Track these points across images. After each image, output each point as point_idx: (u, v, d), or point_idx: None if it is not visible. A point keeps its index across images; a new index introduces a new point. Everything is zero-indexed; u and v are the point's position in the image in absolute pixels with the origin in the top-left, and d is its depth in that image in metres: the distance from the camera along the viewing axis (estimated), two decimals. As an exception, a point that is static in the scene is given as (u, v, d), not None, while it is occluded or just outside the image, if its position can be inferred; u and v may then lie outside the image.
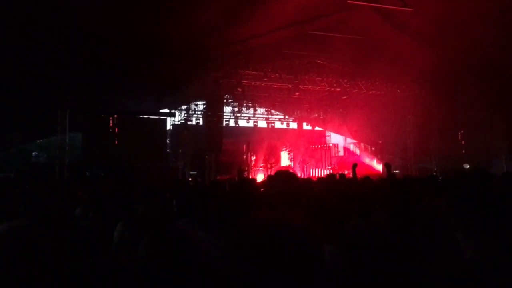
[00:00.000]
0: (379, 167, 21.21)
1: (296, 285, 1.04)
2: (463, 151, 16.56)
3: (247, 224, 1.17)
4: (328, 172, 20.07)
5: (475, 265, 1.53)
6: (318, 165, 22.49)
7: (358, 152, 22.92)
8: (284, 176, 2.91)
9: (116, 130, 18.67)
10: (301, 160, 21.84)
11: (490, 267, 1.51)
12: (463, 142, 16.50)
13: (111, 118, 18.79)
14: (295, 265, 1.04)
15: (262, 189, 5.71)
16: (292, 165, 21.96)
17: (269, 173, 18.58)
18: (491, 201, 1.69)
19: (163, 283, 1.39)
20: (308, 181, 8.89)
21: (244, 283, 1.08)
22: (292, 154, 22.07)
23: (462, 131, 16.90)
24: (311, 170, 21.79)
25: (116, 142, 18.31)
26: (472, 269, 1.52)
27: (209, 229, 2.60)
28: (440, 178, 6.70)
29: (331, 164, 22.12)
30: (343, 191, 4.63)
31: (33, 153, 17.71)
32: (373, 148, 21.92)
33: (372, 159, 21.87)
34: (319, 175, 20.01)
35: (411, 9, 12.48)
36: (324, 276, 1.11)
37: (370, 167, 21.41)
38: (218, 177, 17.16)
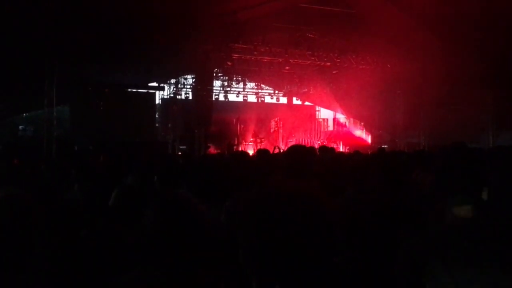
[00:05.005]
0: (368, 139, 21.44)
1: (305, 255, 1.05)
2: (451, 126, 16.73)
3: (264, 191, 1.16)
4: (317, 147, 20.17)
5: (455, 228, 1.63)
6: (305, 140, 22.59)
7: (347, 125, 23.03)
8: (301, 151, 2.92)
9: (105, 103, 18.47)
10: (285, 136, 21.84)
11: (469, 230, 1.61)
12: (451, 117, 16.63)
13: (99, 91, 18.56)
14: (308, 236, 1.05)
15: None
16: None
17: (258, 148, 18.61)
18: (473, 170, 1.79)
19: (169, 248, 1.40)
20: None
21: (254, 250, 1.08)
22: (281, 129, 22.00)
23: (450, 107, 17.01)
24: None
25: (104, 115, 18.14)
26: (451, 231, 1.62)
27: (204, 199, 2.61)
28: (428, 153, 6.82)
29: (320, 139, 22.22)
30: (333, 164, 4.66)
31: (20, 127, 17.46)
32: (362, 123, 22.02)
33: (361, 131, 22.03)
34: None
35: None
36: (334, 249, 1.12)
37: (360, 139, 21.63)
38: (208, 151, 17.18)
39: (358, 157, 7.33)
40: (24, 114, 18.08)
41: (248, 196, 1.16)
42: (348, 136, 21.88)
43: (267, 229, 1.06)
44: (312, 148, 3.05)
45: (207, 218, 1.49)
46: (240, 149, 19.39)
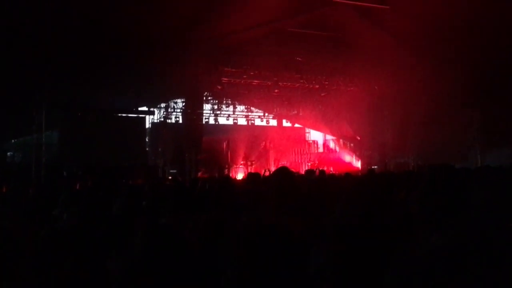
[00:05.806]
0: (358, 164, 21.49)
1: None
2: (439, 145, 16.92)
3: (251, 226, 1.21)
4: (307, 168, 20.23)
5: (436, 252, 1.65)
6: (295, 162, 22.62)
7: (337, 149, 23.18)
8: (281, 176, 2.95)
9: (94, 128, 18.38)
10: (275, 158, 21.90)
11: (454, 252, 1.63)
12: (439, 136, 16.82)
13: (88, 116, 18.49)
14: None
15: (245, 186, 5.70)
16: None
17: (249, 171, 18.61)
18: (454, 195, 1.82)
19: (156, 274, 1.42)
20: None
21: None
22: (271, 152, 22.09)
23: (438, 126, 17.23)
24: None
25: (94, 140, 18.04)
26: (433, 255, 1.64)
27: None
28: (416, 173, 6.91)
29: (310, 161, 22.28)
30: (323, 186, 4.69)
31: (8, 153, 17.32)
32: (351, 145, 22.16)
33: (351, 156, 22.14)
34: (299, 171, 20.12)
35: (388, 7, 12.68)
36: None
37: (350, 164, 21.68)
38: (198, 175, 17.12)
39: (348, 179, 7.39)
40: (13, 140, 17.95)
41: (237, 228, 1.22)
42: (338, 161, 21.94)
43: (251, 257, 1.10)
44: (288, 171, 3.09)
45: (190, 243, 1.52)
46: (231, 172, 19.38)
